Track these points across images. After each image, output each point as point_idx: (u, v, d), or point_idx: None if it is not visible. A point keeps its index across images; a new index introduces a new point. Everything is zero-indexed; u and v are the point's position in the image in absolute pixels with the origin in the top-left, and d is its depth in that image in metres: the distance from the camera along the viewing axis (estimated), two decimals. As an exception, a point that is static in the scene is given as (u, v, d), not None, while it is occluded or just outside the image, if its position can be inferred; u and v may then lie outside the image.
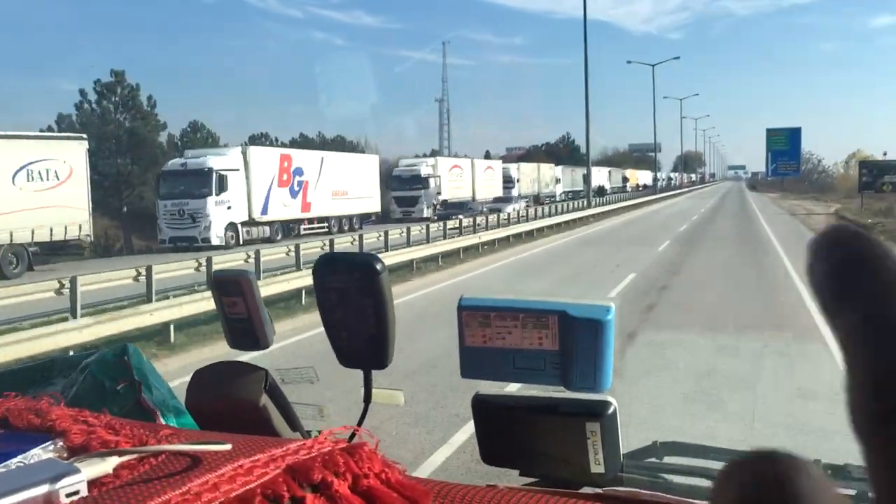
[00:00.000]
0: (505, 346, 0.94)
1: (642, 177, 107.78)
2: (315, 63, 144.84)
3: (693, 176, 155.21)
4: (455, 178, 46.27)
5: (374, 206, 38.32)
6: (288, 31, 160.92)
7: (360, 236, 20.71)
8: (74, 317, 10.03)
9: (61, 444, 0.71)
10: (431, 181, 42.32)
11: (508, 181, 54.96)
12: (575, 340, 0.91)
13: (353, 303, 0.99)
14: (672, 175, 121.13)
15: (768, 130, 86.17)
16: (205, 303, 10.29)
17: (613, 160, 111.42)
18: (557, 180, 67.05)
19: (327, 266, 1.02)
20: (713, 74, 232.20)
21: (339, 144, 59.25)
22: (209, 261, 13.06)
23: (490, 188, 51.11)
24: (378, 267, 0.98)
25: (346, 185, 35.12)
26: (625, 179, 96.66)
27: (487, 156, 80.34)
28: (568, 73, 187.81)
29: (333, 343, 1.03)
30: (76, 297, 10.37)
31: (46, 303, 10.94)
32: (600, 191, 70.33)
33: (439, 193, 42.92)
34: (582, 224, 34.63)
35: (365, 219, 36.94)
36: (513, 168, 58.41)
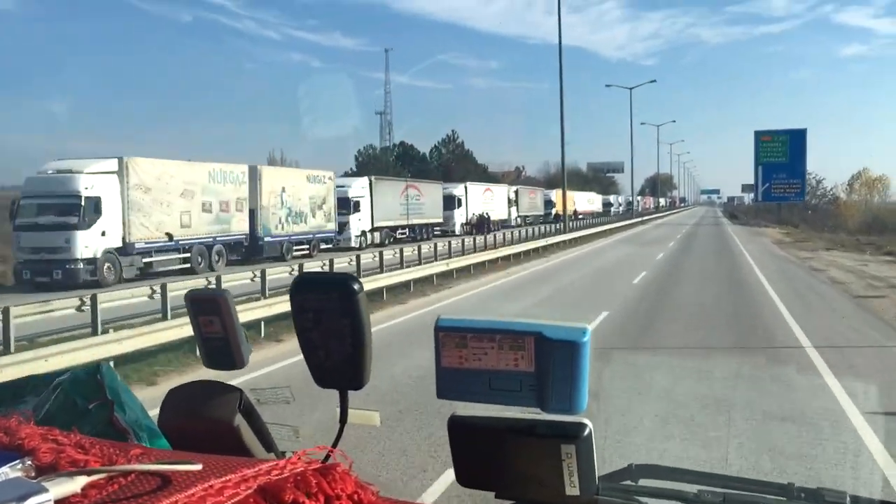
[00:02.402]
0: (481, 367, 0.94)
1: (584, 200, 77.04)
2: (293, 84, 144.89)
3: (662, 200, 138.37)
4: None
5: None
6: (265, 53, 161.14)
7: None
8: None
9: (30, 462, 0.70)
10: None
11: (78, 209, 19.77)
12: (551, 362, 0.91)
13: (330, 323, 0.99)
14: (633, 199, 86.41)
15: (758, 133, 58.38)
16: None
17: (555, 180, 69.47)
18: (354, 206, 33.51)
19: (304, 286, 1.02)
20: (686, 101, 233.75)
21: None
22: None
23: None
24: (355, 287, 0.98)
25: None
26: (549, 204, 65.27)
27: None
28: (541, 95, 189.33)
29: (310, 363, 1.03)
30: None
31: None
32: (480, 223, 41.81)
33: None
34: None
35: None
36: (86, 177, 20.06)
